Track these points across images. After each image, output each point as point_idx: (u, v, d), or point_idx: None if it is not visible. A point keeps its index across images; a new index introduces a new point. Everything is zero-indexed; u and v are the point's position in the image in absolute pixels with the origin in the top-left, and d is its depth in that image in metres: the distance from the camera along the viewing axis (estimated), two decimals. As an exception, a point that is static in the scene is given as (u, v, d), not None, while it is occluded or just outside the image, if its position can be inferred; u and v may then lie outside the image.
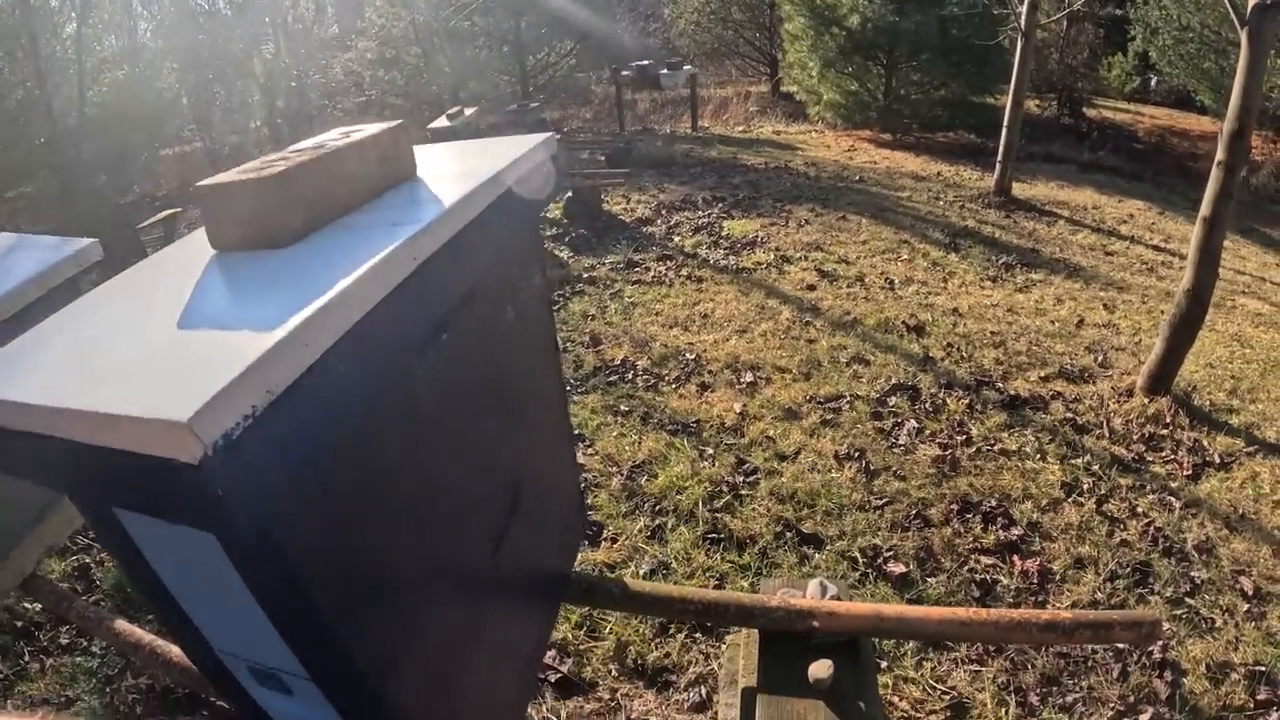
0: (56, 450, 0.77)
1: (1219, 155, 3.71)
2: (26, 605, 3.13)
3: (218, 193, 0.99)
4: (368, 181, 1.12)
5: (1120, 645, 2.51)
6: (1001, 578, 2.79)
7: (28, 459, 0.83)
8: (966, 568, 2.82)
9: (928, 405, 3.76)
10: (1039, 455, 3.44)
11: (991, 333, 4.56)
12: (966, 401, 3.79)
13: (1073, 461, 3.41)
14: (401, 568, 1.05)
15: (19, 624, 3.15)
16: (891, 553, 2.86)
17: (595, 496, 3.25)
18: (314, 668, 0.98)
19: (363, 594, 0.96)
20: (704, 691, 2.37)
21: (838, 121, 11.84)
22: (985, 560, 2.84)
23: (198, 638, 1.07)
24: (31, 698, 2.81)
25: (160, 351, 0.81)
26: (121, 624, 2.02)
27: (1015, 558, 2.85)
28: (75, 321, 0.98)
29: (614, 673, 2.46)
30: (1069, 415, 3.76)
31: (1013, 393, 3.89)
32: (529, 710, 2.33)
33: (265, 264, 0.97)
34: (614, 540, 3.00)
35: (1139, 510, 3.15)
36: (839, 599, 1.73)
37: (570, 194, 6.71)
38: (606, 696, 2.39)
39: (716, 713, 2.30)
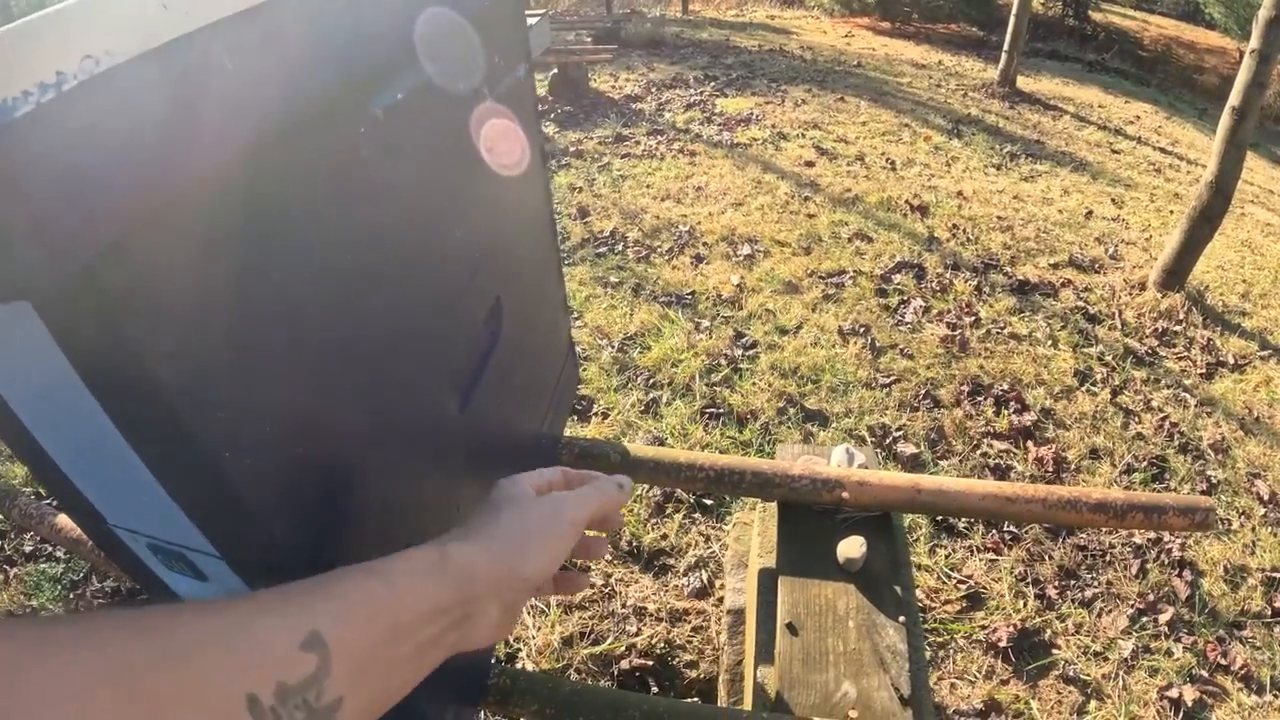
0: None
1: (1253, 43, 3.34)
2: None
3: None
4: None
5: (1164, 533, 2.28)
6: (1015, 464, 2.53)
7: None
8: (979, 451, 2.56)
9: (934, 285, 3.45)
10: (1050, 342, 3.15)
11: (998, 218, 4.22)
12: (974, 284, 3.48)
13: (1085, 350, 3.13)
14: (333, 408, 0.70)
15: None
16: (901, 433, 2.58)
17: (585, 370, 2.94)
18: (225, 544, 0.66)
19: (276, 439, 0.61)
20: (705, 576, 2.10)
21: (835, 8, 11.18)
22: (998, 445, 2.58)
23: (87, 510, 0.75)
24: None
25: None
26: (63, 519, 1.75)
27: (1029, 444, 2.59)
28: None
29: (607, 556, 2.18)
30: (1080, 304, 3.46)
31: (1021, 278, 3.58)
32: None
33: None
34: (605, 415, 2.70)
35: (1154, 404, 2.89)
36: (867, 468, 1.45)
37: (555, 71, 6.21)
38: (599, 582, 2.11)
39: (722, 598, 2.03)
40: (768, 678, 1.31)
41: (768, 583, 1.42)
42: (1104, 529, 2.31)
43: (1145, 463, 2.58)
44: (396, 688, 0.49)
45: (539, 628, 2.01)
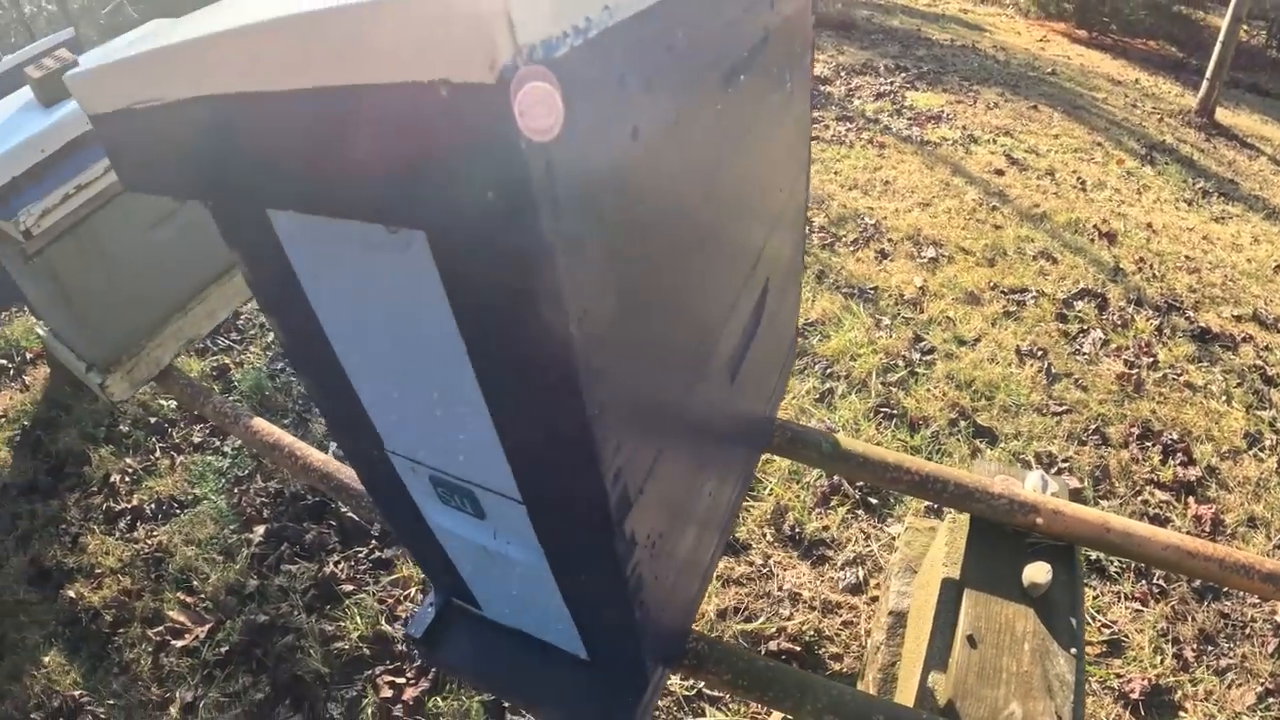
0: (225, 117, 0.52)
1: None
2: (161, 402, 3.09)
3: None
4: None
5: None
6: (1174, 517, 2.53)
7: (181, 154, 0.59)
8: (1140, 498, 2.57)
9: (1115, 318, 3.40)
10: (1224, 397, 3.09)
11: (1185, 257, 4.09)
12: (1155, 323, 3.41)
13: (1258, 412, 3.05)
14: (660, 374, 0.78)
15: (152, 420, 3.12)
16: (1067, 464, 2.62)
17: (766, 344, 3.06)
18: (530, 489, 0.74)
19: (626, 393, 0.68)
20: (861, 573, 2.21)
21: (1031, 8, 10.68)
22: (1160, 495, 2.58)
23: (368, 435, 0.85)
24: (158, 495, 2.78)
25: None
26: (260, 422, 1.92)
27: (1190, 499, 2.58)
28: None
29: (769, 537, 2.31)
30: (1258, 363, 3.36)
31: (1203, 325, 3.49)
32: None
33: None
34: (781, 398, 2.83)
35: (1322, 482, 2.83)
36: (1058, 497, 1.51)
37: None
38: (759, 561, 2.25)
39: (875, 598, 2.14)
40: (939, 684, 1.41)
41: (951, 593, 1.51)
42: (1254, 598, 2.30)
43: (1303, 540, 2.55)
44: None
45: (700, 592, 2.17)
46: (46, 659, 2.28)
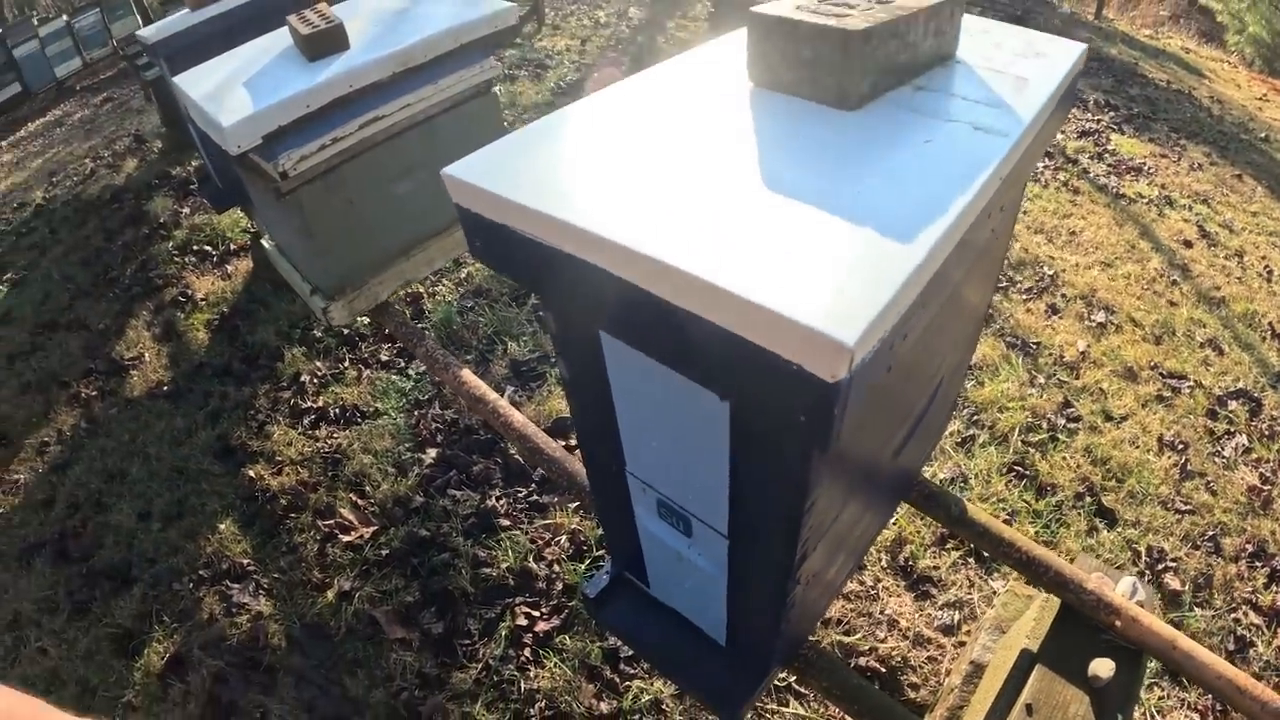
0: (602, 281, 0.72)
1: None
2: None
3: (786, 29, 0.86)
4: (923, 56, 0.97)
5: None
6: (1258, 642, 2.51)
7: (542, 272, 0.79)
8: (1234, 615, 2.56)
9: (1264, 426, 3.34)
10: None
11: (1364, 374, 3.95)
12: None
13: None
14: (854, 475, 1.03)
15: (345, 331, 3.41)
16: (1175, 564, 2.66)
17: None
18: (738, 534, 0.98)
19: (831, 496, 0.93)
20: (957, 617, 2.36)
21: (1256, 60, 10.00)
22: (1253, 617, 2.56)
23: (615, 456, 1.10)
24: (343, 401, 3.07)
25: (763, 224, 0.71)
26: (468, 375, 2.12)
27: None
28: (597, 128, 0.89)
29: (884, 563, 2.48)
30: None
31: None
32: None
33: (839, 130, 0.85)
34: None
35: None
36: (1143, 605, 1.63)
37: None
38: (870, 582, 2.43)
39: (963, 643, 2.30)
40: None
41: (1025, 663, 1.68)
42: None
43: None
44: None
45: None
46: (221, 526, 2.67)
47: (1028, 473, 2.84)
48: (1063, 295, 3.86)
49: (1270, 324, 4.00)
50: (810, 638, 1.54)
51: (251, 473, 2.83)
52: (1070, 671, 1.57)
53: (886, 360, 0.67)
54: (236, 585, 2.46)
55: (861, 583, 2.42)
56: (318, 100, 1.98)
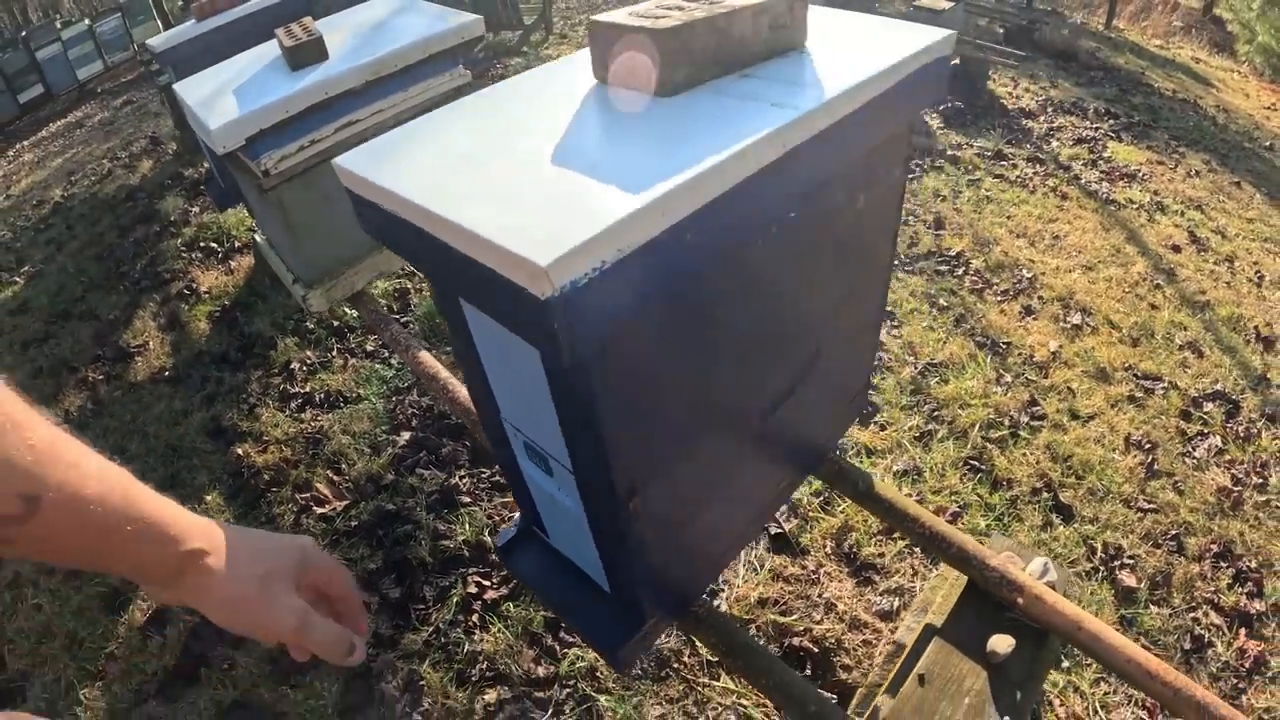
0: (425, 241, 0.88)
1: None
2: (345, 310, 3.55)
3: (613, 32, 1.03)
4: (756, 47, 1.08)
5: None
6: (1218, 643, 2.53)
7: (398, 238, 0.94)
8: (1192, 615, 2.58)
9: (1240, 429, 3.36)
10: None
11: (1350, 384, 3.96)
12: None
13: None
14: (681, 410, 1.14)
15: (335, 323, 3.59)
16: (1132, 561, 2.71)
17: (883, 380, 3.25)
18: (578, 466, 1.11)
19: (642, 424, 1.05)
20: (897, 603, 2.41)
21: (1266, 70, 9.95)
22: (1213, 618, 2.58)
23: (493, 406, 1.26)
24: (328, 387, 3.22)
25: (533, 182, 0.87)
26: (424, 355, 2.27)
27: (1242, 631, 2.57)
28: (457, 122, 1.08)
29: (828, 549, 2.55)
30: None
31: None
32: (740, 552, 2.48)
33: (644, 112, 1.00)
34: (883, 428, 3.02)
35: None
36: (1054, 587, 1.65)
37: (957, 62, 6.18)
38: (811, 567, 2.50)
39: (896, 627, 2.36)
40: (884, 706, 1.65)
41: (927, 636, 1.73)
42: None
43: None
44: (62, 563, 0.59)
45: (745, 580, 2.44)
46: (208, 498, 2.84)
47: (984, 467, 2.90)
48: (1039, 297, 3.91)
49: (1255, 328, 4.03)
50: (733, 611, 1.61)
51: (240, 450, 3.00)
52: (969, 646, 1.61)
53: (627, 291, 0.81)
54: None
55: (803, 568, 2.49)
56: (296, 106, 2.14)
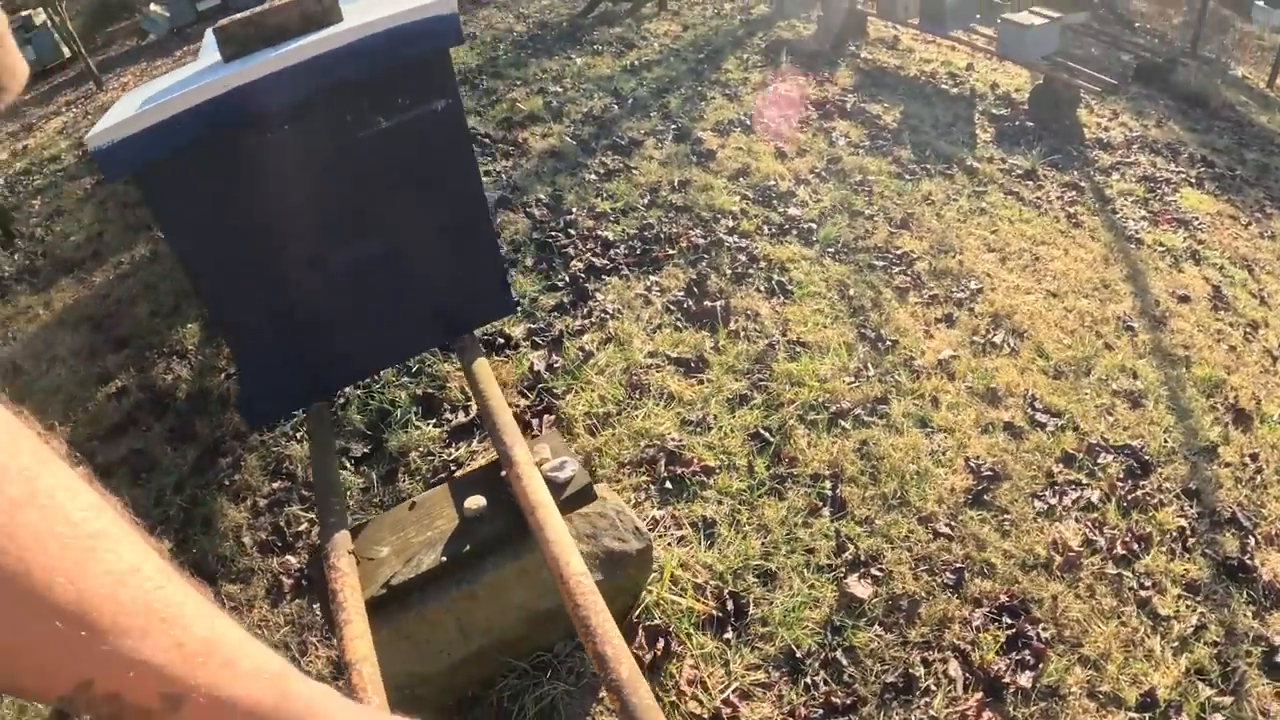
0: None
1: None
2: None
3: (215, 31, 1.69)
4: (292, 24, 1.69)
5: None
6: (937, 694, 2.11)
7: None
8: (924, 655, 2.20)
9: (1135, 495, 2.76)
10: (1159, 636, 2.35)
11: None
12: (1186, 527, 2.69)
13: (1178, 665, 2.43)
14: (246, 244, 1.82)
15: None
16: (880, 575, 2.34)
17: (732, 345, 3.00)
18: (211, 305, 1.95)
19: (186, 231, 1.77)
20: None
21: None
22: (952, 668, 2.17)
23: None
24: None
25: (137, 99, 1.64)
26: None
27: (979, 697, 2.13)
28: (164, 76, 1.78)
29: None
30: (1261, 631, 2.62)
31: (1253, 562, 2.62)
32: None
33: (207, 68, 1.73)
34: (701, 383, 2.79)
35: None
36: (562, 481, 1.88)
37: (1040, 81, 5.64)
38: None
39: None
40: (376, 518, 1.94)
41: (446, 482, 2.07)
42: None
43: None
44: None
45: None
46: (191, 325, 2.99)
47: (773, 440, 2.62)
48: (971, 310, 3.49)
49: (1235, 398, 3.37)
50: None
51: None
52: (461, 499, 1.87)
53: (161, 150, 1.58)
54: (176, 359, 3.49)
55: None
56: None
